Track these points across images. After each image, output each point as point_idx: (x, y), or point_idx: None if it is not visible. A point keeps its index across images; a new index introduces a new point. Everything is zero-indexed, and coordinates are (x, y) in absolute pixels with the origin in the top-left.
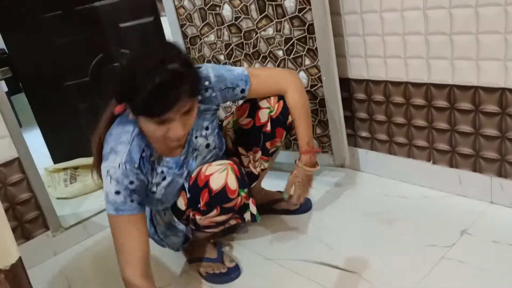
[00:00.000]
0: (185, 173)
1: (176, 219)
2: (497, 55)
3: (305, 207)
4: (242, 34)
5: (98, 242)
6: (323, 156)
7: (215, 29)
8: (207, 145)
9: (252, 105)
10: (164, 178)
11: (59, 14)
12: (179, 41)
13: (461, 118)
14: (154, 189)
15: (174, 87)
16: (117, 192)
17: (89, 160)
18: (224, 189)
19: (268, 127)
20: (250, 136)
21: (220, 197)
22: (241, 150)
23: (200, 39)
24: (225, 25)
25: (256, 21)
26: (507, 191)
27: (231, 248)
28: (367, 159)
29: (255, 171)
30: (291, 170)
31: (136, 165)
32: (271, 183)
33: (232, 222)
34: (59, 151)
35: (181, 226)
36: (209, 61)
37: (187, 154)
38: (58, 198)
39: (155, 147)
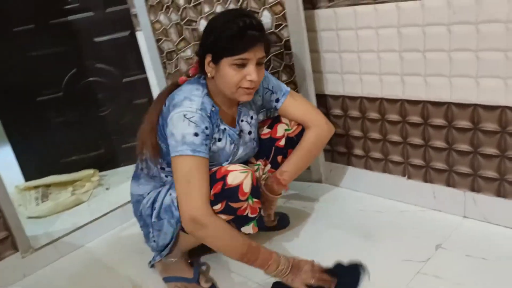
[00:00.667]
0: (236, 153)
1: (177, 204)
2: (469, 72)
3: (282, 223)
4: None
5: (70, 263)
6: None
7: (191, 44)
8: (249, 132)
9: (275, 119)
10: (220, 139)
11: (33, 28)
12: (155, 56)
13: (434, 133)
14: (212, 144)
15: (259, 30)
16: (196, 134)
17: (61, 178)
18: (237, 187)
19: (282, 142)
20: (262, 146)
21: (231, 193)
22: (251, 158)
23: (177, 54)
24: None
25: None
26: (479, 205)
27: (208, 267)
28: (344, 174)
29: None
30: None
31: (208, 114)
32: None
33: None
34: (31, 168)
35: (177, 213)
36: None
37: (239, 133)
38: (29, 217)
39: (220, 110)
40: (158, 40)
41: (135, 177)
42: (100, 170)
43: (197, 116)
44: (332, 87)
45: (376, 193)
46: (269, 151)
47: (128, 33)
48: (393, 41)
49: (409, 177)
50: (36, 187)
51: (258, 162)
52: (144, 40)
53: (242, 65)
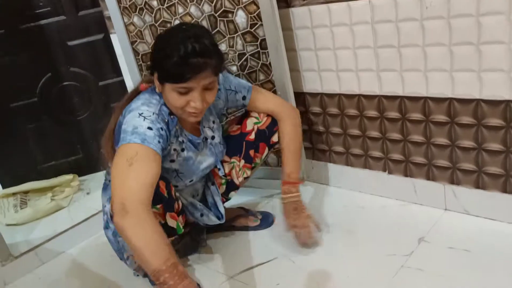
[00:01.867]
0: (204, 159)
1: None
2: (443, 66)
3: (266, 222)
4: None
5: (52, 269)
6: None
7: None
8: (212, 137)
9: (244, 114)
10: (183, 150)
11: (3, 33)
12: (131, 58)
13: (412, 128)
14: (174, 157)
15: (203, 57)
16: (150, 128)
17: (39, 184)
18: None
19: (252, 136)
20: (234, 143)
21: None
22: (225, 157)
23: None
24: None
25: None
26: (459, 198)
27: (193, 268)
28: (325, 171)
29: (237, 181)
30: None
31: (166, 120)
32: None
33: None
34: (7, 176)
35: None
36: None
37: (203, 140)
38: (7, 225)
39: (180, 122)
40: (133, 43)
41: (104, 188)
42: (80, 175)
43: (153, 117)
44: (310, 85)
45: (358, 189)
46: (241, 147)
47: (102, 36)
48: (367, 37)
49: (389, 172)
50: (14, 194)
51: (233, 160)
52: (119, 42)
53: (185, 92)
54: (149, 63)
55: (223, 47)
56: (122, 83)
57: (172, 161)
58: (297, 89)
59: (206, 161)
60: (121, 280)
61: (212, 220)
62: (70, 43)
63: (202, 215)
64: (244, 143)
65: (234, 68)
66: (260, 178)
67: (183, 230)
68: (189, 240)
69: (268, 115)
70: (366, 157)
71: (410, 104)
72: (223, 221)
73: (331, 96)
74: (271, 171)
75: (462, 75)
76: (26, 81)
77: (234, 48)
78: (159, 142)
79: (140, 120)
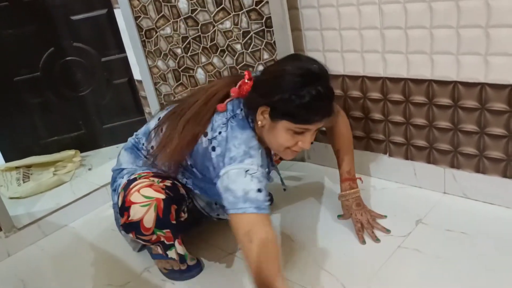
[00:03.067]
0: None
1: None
2: (449, 49)
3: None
4: (199, 27)
5: (54, 241)
6: None
7: (171, 22)
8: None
9: None
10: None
11: (5, 6)
12: (134, 34)
13: (415, 111)
14: None
15: (329, 102)
16: (259, 190)
17: (42, 158)
18: (138, 223)
19: None
20: None
21: (135, 227)
22: None
23: (156, 32)
24: (182, 17)
25: (213, 14)
26: (459, 182)
27: (194, 244)
28: (326, 153)
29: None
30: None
31: (266, 170)
32: None
33: (159, 251)
34: (11, 150)
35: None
36: (166, 55)
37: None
38: (10, 198)
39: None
40: (136, 18)
41: (134, 154)
42: (82, 151)
43: (259, 173)
44: None
45: (358, 171)
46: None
47: (105, 11)
48: (374, 18)
49: (390, 155)
50: (17, 167)
51: None
52: (122, 18)
53: (300, 133)
54: (257, 93)
55: (227, 24)
56: (125, 59)
57: None
58: None
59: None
60: (123, 253)
61: (226, 216)
62: (74, 17)
63: (218, 214)
64: None
65: (238, 46)
66: None
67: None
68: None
69: None
70: (367, 139)
71: (414, 86)
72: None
73: (335, 77)
74: None
75: (469, 58)
76: (29, 55)
77: (238, 26)
78: (266, 201)
79: (247, 181)
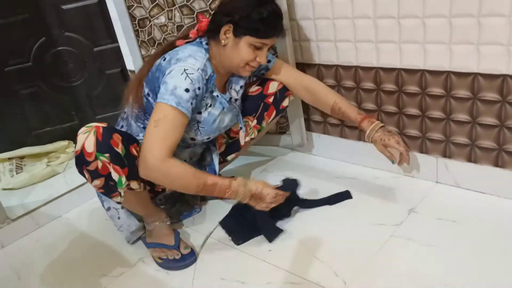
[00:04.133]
0: (226, 118)
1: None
2: (442, 38)
3: None
4: (195, 15)
5: (48, 233)
6: (281, 137)
7: (165, 11)
8: (235, 100)
9: (265, 79)
10: (210, 105)
11: None
12: (127, 23)
13: (408, 100)
14: (202, 109)
15: (280, 21)
16: (187, 90)
17: (35, 149)
18: (82, 151)
19: (271, 99)
20: (251, 103)
21: (81, 159)
22: None
23: (150, 21)
24: (176, 6)
25: (209, 2)
26: (451, 171)
27: (188, 234)
28: (320, 142)
29: (242, 141)
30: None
31: (206, 77)
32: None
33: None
34: (3, 141)
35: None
36: (160, 44)
37: (229, 100)
38: (4, 189)
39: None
40: (129, 7)
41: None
42: (75, 142)
43: (196, 74)
44: (307, 55)
45: (351, 161)
46: (257, 107)
47: (96, 0)
48: (367, 7)
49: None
50: (9, 158)
51: (245, 119)
52: (114, 7)
53: (258, 48)
54: (219, 15)
55: None
56: (117, 49)
57: (199, 112)
58: (295, 60)
59: (226, 120)
60: (117, 243)
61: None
62: (65, 6)
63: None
64: (262, 104)
65: None
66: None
67: (124, 184)
68: (183, 204)
69: (280, 82)
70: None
71: (407, 76)
72: (197, 209)
73: (328, 67)
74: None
75: (461, 47)
76: (20, 45)
77: None
78: (191, 104)
79: (181, 79)
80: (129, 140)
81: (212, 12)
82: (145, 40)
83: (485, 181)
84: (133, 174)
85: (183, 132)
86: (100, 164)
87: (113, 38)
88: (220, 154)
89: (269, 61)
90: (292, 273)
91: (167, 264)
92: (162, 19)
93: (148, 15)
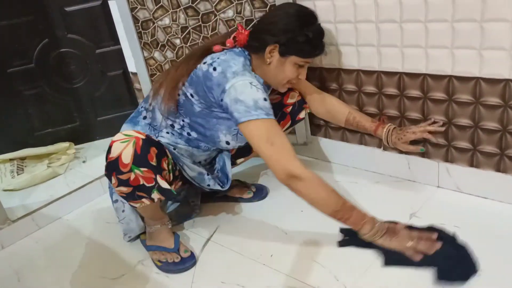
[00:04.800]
0: None
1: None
2: (444, 43)
3: (260, 195)
4: (200, 16)
5: (48, 234)
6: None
7: (170, 12)
8: None
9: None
10: None
11: None
12: (130, 25)
13: (410, 104)
14: None
15: (323, 37)
16: (265, 99)
17: (37, 151)
18: (117, 159)
19: (289, 109)
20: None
21: (113, 166)
22: None
23: (153, 23)
24: (181, 8)
25: (215, 3)
26: (453, 176)
27: (188, 237)
28: (321, 146)
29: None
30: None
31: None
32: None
33: (146, 201)
34: (4, 141)
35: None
36: (163, 46)
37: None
38: (4, 190)
39: None
40: (132, 9)
41: (132, 122)
42: (76, 143)
43: (260, 86)
44: None
45: (352, 165)
46: (275, 115)
47: (100, 2)
48: (370, 11)
49: (384, 149)
50: (11, 159)
51: None
52: (117, 9)
53: (301, 66)
54: (266, 35)
55: (230, 13)
56: (120, 51)
57: None
58: None
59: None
60: (117, 245)
61: (215, 188)
62: (68, 8)
63: (209, 185)
64: (279, 113)
65: None
66: None
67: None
68: (183, 205)
69: (300, 95)
70: (362, 133)
71: (409, 80)
72: (226, 187)
73: (330, 70)
74: None
75: (463, 52)
76: (23, 46)
77: (241, 14)
78: (272, 108)
79: (254, 91)
80: (161, 153)
81: (251, 26)
82: (148, 42)
83: (487, 186)
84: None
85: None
86: (133, 176)
87: (115, 40)
88: (231, 156)
89: None
90: (293, 277)
91: (167, 267)
92: (166, 21)
93: (152, 17)
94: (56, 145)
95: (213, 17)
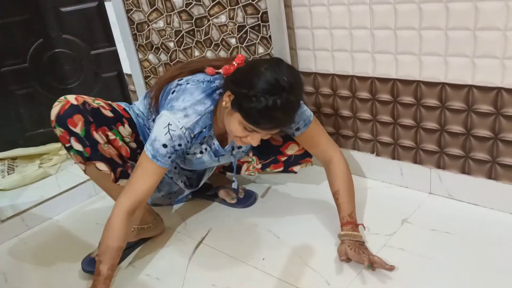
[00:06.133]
0: (217, 162)
1: None
2: (438, 50)
3: (244, 203)
4: (193, 21)
5: (38, 235)
6: None
7: (164, 15)
8: (239, 147)
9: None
10: (201, 152)
11: None
12: (125, 27)
13: (403, 111)
14: (188, 156)
15: (286, 114)
16: (165, 146)
17: (28, 151)
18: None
19: (283, 159)
20: (266, 149)
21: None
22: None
23: (148, 26)
24: (175, 11)
25: (208, 8)
26: (445, 182)
27: (179, 240)
28: None
29: (243, 172)
30: None
31: (192, 135)
32: None
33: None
34: None
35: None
36: (157, 48)
37: (228, 151)
38: None
39: (215, 130)
40: (128, 11)
41: (140, 99)
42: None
43: (178, 133)
44: (304, 64)
45: None
46: (268, 157)
47: (96, 3)
48: (364, 18)
49: (377, 155)
50: (1, 159)
51: (253, 158)
52: (113, 11)
53: (250, 131)
54: (231, 77)
55: (223, 18)
56: (115, 52)
57: (187, 153)
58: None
59: (219, 162)
60: None
61: (177, 183)
62: (63, 9)
63: (171, 178)
64: (273, 157)
65: (233, 41)
66: None
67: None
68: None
69: (303, 149)
70: (355, 139)
71: (402, 87)
72: (189, 190)
73: (324, 76)
74: None
75: (456, 60)
76: (17, 45)
77: (234, 20)
78: (169, 157)
79: (162, 133)
80: (97, 124)
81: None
82: (143, 44)
83: (478, 193)
84: (96, 155)
85: (159, 177)
86: (58, 133)
87: (110, 41)
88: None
89: (297, 129)
90: (284, 280)
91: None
92: (161, 24)
93: (146, 19)
94: (48, 145)
95: (206, 21)
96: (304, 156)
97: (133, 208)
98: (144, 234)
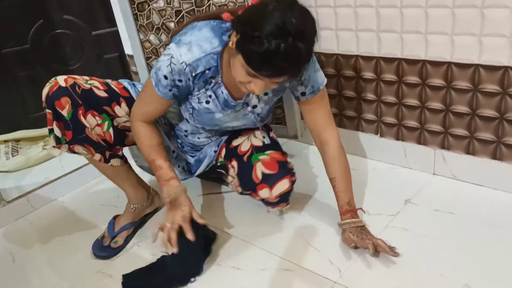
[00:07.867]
0: (229, 120)
1: None
2: (444, 29)
3: None
4: (193, 0)
5: (43, 215)
6: (277, 128)
7: None
8: (254, 106)
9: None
10: (207, 102)
11: None
12: (126, 7)
13: (408, 91)
14: (195, 103)
15: (289, 63)
16: (165, 77)
17: (31, 133)
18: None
19: (258, 198)
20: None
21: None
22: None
23: (149, 5)
24: None
25: None
26: (449, 163)
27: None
28: None
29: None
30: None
31: (194, 74)
32: None
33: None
34: None
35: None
36: (158, 29)
37: (242, 105)
38: None
39: (223, 77)
40: None
41: None
42: None
43: (178, 67)
44: None
45: (349, 151)
46: (246, 189)
47: None
48: None
49: (381, 135)
50: (5, 141)
51: (235, 176)
52: None
53: (253, 76)
54: (238, 21)
55: None
56: (116, 33)
57: (192, 107)
58: None
59: (231, 122)
60: None
61: (173, 164)
62: None
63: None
64: (249, 193)
65: None
66: None
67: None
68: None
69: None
70: (359, 120)
71: (407, 67)
72: (187, 176)
73: (328, 55)
74: None
75: (463, 39)
76: (18, 27)
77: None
78: (170, 90)
79: (164, 65)
80: (86, 107)
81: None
82: (144, 24)
83: (482, 173)
84: (76, 139)
85: (162, 106)
86: (47, 114)
87: (111, 22)
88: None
89: (303, 94)
90: (287, 260)
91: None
92: (161, 3)
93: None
94: None
95: (206, 1)
96: (278, 202)
97: (151, 122)
98: (146, 211)
